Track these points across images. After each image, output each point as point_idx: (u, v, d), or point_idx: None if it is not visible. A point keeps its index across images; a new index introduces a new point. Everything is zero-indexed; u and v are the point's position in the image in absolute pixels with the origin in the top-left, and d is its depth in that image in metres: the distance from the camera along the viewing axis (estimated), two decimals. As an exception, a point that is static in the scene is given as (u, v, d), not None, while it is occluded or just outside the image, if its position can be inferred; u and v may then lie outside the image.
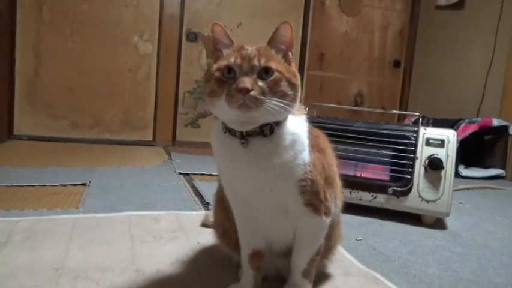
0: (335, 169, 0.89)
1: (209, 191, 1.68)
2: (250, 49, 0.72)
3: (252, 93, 0.66)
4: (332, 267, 1.01)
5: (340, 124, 1.67)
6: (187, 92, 3.31)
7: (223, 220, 0.92)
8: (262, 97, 0.67)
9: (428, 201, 1.50)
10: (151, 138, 3.26)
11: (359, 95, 3.87)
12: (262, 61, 0.69)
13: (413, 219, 1.55)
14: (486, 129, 2.86)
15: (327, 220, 0.81)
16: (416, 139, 1.55)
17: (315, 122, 1.64)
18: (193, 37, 3.25)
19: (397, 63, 3.95)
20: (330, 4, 3.69)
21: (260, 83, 0.68)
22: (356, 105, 3.83)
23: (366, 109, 3.80)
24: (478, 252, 1.27)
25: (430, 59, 3.77)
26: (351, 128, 1.66)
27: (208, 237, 1.10)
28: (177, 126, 3.33)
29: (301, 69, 3.64)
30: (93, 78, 3.08)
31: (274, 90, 0.68)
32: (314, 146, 0.79)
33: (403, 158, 1.56)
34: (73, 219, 1.24)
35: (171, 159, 2.55)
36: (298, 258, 0.83)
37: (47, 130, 2.99)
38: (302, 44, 3.62)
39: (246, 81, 0.67)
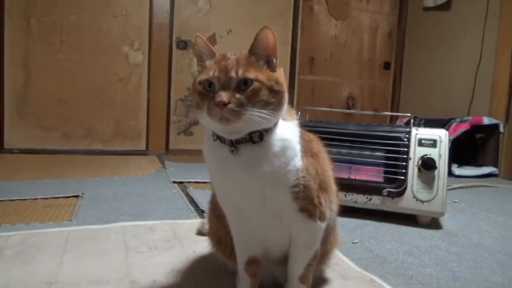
0: (330, 174, 0.89)
1: (204, 198, 1.67)
2: (230, 60, 0.71)
3: (229, 106, 0.66)
4: (329, 272, 1.01)
5: (332, 127, 1.68)
6: (179, 100, 3.31)
7: (218, 228, 0.91)
8: (240, 109, 0.67)
9: (422, 202, 1.50)
10: (144, 148, 3.24)
11: (350, 97, 3.90)
12: (240, 72, 0.69)
13: (409, 220, 1.55)
14: (477, 128, 2.89)
15: (322, 225, 0.81)
16: (409, 140, 1.56)
17: (307, 126, 1.65)
18: (183, 45, 3.25)
19: (387, 65, 3.98)
20: (318, 8, 3.72)
21: (238, 95, 0.68)
22: (348, 108, 3.85)
23: (358, 111, 3.82)
24: (474, 251, 1.27)
25: (419, 59, 3.81)
26: (343, 130, 1.66)
27: (204, 246, 1.09)
28: (170, 134, 3.32)
29: (292, 74, 3.66)
30: (84, 89, 3.06)
31: (253, 101, 0.68)
32: (307, 151, 0.79)
33: (396, 159, 1.56)
34: (66, 231, 1.23)
35: (164, 167, 2.53)
36: (294, 264, 0.83)
37: (38, 142, 2.97)
38: (292, 48, 3.64)
39: (223, 95, 0.67)
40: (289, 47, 3.63)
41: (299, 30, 3.65)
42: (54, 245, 1.12)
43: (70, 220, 1.38)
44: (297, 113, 1.79)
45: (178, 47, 3.26)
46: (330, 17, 3.76)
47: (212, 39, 3.29)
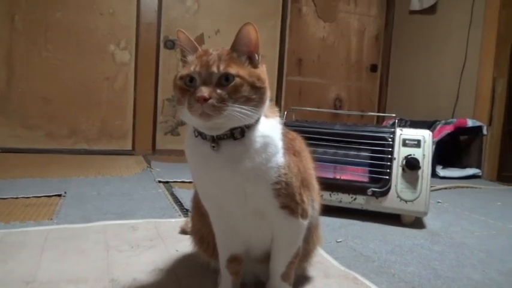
0: (312, 172, 0.89)
1: (189, 198, 1.63)
2: (212, 55, 0.71)
3: (210, 101, 0.65)
4: (312, 270, 1.01)
5: (318, 127, 1.68)
6: (166, 99, 3.28)
7: (200, 226, 0.90)
8: (221, 104, 0.66)
9: (406, 201, 1.51)
10: (130, 148, 3.21)
11: (338, 99, 3.92)
12: (222, 67, 0.68)
13: (393, 219, 1.56)
14: (461, 130, 2.93)
15: (305, 222, 0.81)
16: (393, 140, 1.57)
17: (293, 126, 1.65)
18: (171, 44, 3.23)
19: (374, 68, 4.02)
20: (307, 10, 3.74)
21: (219, 90, 0.67)
22: (335, 109, 3.87)
23: (344, 111, 3.85)
24: (456, 250, 1.28)
25: (405, 62, 3.85)
26: (329, 130, 1.67)
27: (186, 244, 1.08)
28: (156, 134, 3.29)
29: (280, 75, 3.67)
30: (69, 88, 3.01)
31: (235, 96, 0.68)
32: (289, 149, 0.78)
33: (381, 159, 1.57)
34: (46, 230, 1.20)
35: (150, 167, 2.51)
36: (276, 262, 0.82)
37: (22, 141, 2.91)
38: (280, 50, 3.65)
39: (204, 90, 0.66)
40: (278, 48, 3.64)
41: (287, 31, 3.66)
42: (33, 244, 1.09)
43: (51, 219, 1.36)
44: (284, 112, 1.80)
45: (166, 46, 3.24)
46: (318, 19, 3.79)
47: (200, 39, 3.28)
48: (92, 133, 3.10)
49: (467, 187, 2.52)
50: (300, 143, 0.87)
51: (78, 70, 3.02)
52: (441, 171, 2.81)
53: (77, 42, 3.00)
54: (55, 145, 2.99)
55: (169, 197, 1.76)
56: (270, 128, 0.75)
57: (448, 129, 2.87)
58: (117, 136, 3.18)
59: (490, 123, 2.93)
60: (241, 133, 0.71)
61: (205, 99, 0.65)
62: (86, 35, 3.03)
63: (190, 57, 0.73)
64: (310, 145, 0.93)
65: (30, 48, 2.90)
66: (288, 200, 0.76)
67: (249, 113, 0.68)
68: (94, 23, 3.04)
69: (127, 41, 3.14)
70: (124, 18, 3.12)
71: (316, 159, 0.95)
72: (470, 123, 2.89)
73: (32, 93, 2.92)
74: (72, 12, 2.97)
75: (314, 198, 0.87)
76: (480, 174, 2.94)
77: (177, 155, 3.10)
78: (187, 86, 0.70)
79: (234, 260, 0.82)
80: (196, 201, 0.89)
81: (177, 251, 1.11)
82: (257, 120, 0.73)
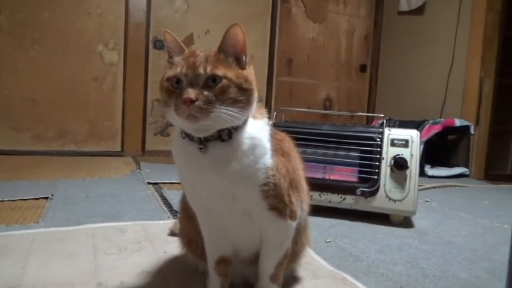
0: (300, 173, 0.89)
1: (178, 199, 1.63)
2: (198, 56, 0.70)
3: (196, 103, 0.65)
4: (301, 270, 1.01)
5: (307, 127, 1.69)
6: (155, 100, 3.26)
7: (188, 228, 0.90)
8: (208, 106, 0.66)
9: (395, 201, 1.52)
10: (119, 149, 3.18)
11: (328, 99, 3.94)
12: (208, 69, 0.68)
13: (382, 219, 1.57)
14: (449, 130, 2.96)
15: (293, 224, 0.81)
16: (382, 140, 1.58)
17: (282, 126, 1.65)
18: (160, 45, 3.21)
19: (363, 68, 4.04)
20: (296, 11, 3.75)
21: (206, 92, 0.67)
22: (325, 110, 3.89)
23: (333, 112, 3.86)
24: (443, 249, 1.30)
25: (394, 62, 3.89)
26: (318, 131, 1.67)
27: (175, 246, 1.07)
28: (146, 135, 3.27)
29: (270, 75, 3.67)
30: (57, 88, 2.97)
31: (222, 98, 0.67)
32: (278, 150, 0.78)
33: (369, 159, 1.58)
34: (32, 234, 1.18)
35: (139, 169, 2.49)
36: (265, 263, 0.82)
37: (8, 143, 2.86)
38: (270, 50, 3.65)
39: (190, 92, 0.66)
40: (268, 48, 3.64)
41: (277, 31, 3.66)
42: (18, 248, 1.08)
43: (37, 222, 1.34)
44: (273, 113, 1.80)
45: (155, 46, 3.22)
46: (308, 19, 3.80)
47: (190, 39, 3.27)
48: (80, 134, 3.07)
49: (455, 186, 2.54)
50: (288, 143, 0.87)
51: (66, 71, 2.98)
52: (429, 171, 2.84)
53: (65, 42, 2.97)
54: (43, 147, 2.95)
55: (159, 199, 1.75)
56: (257, 129, 0.75)
57: (436, 128, 2.90)
58: (106, 137, 3.15)
59: (477, 123, 2.97)
60: (228, 135, 0.71)
61: (192, 101, 0.65)
62: (74, 35, 2.99)
63: (177, 59, 0.72)
64: (299, 145, 0.93)
65: (17, 48, 2.85)
66: (277, 201, 0.76)
67: (237, 114, 0.68)
68: (82, 23, 3.01)
69: (115, 41, 3.12)
70: (112, 18, 3.09)
71: (306, 160, 0.95)
72: (458, 122, 2.93)
73: (18, 94, 2.88)
74: (60, 12, 2.93)
75: (303, 199, 0.87)
76: (468, 173, 2.97)
77: (167, 156, 3.08)
78: (173, 87, 0.69)
79: (222, 261, 0.82)
80: (184, 203, 0.89)
81: (165, 253, 1.10)
82: (245, 122, 0.73)
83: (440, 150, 3.10)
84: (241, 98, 0.69)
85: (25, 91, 2.89)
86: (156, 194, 1.83)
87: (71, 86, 3.01)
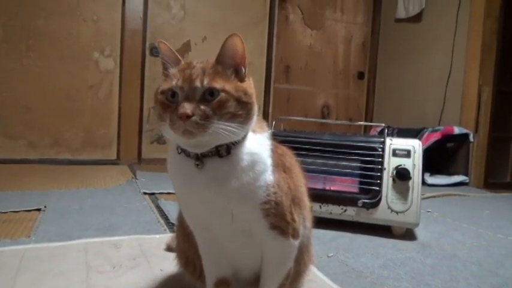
0: (303, 189, 0.85)
1: (175, 211, 1.59)
2: (195, 68, 0.66)
3: (193, 118, 0.61)
4: (303, 289, 0.97)
5: (307, 137, 1.65)
6: (152, 107, 3.22)
7: (186, 248, 0.86)
8: (205, 121, 0.62)
9: (397, 213, 1.49)
10: (115, 157, 3.13)
11: (326, 106, 3.91)
12: (206, 82, 0.64)
13: (384, 231, 1.53)
14: (448, 137, 2.94)
15: (296, 242, 0.77)
16: (383, 150, 1.55)
17: (281, 136, 1.62)
18: (156, 52, 3.18)
19: (361, 75, 4.03)
20: (294, 18, 3.73)
21: (203, 107, 0.63)
22: (323, 117, 3.87)
23: (332, 121, 3.84)
24: (448, 263, 1.26)
25: (392, 70, 3.87)
26: (318, 140, 1.63)
27: (172, 263, 1.02)
28: (142, 143, 3.22)
29: (267, 83, 3.64)
30: (52, 96, 2.93)
31: (220, 113, 0.63)
32: (279, 165, 0.75)
33: (371, 169, 1.55)
34: (22, 250, 1.14)
35: (135, 178, 2.44)
36: (266, 284, 0.78)
37: (2, 151, 2.81)
38: (268, 57, 3.63)
39: (186, 107, 0.62)
40: (265, 55, 3.62)
41: (274, 38, 3.65)
42: (7, 265, 1.03)
43: (29, 236, 1.29)
44: (272, 122, 1.76)
45: (151, 53, 3.18)
46: (305, 26, 3.78)
47: (187, 47, 3.24)
48: (75, 142, 3.02)
49: (455, 195, 2.51)
50: (290, 158, 0.84)
51: (61, 78, 2.95)
52: (429, 179, 2.81)
53: (60, 49, 2.93)
54: (37, 155, 2.90)
55: (155, 210, 1.71)
56: (258, 144, 0.71)
57: (436, 136, 2.88)
58: (101, 145, 3.10)
59: (476, 131, 2.95)
60: (227, 150, 0.67)
61: (188, 116, 0.61)
62: (69, 42, 2.95)
63: (172, 70, 0.68)
64: (299, 155, 0.90)
65: (11, 55, 2.81)
66: (278, 219, 0.72)
67: (236, 130, 0.64)
68: (77, 30, 2.97)
69: (111, 48, 3.08)
70: (108, 25, 3.06)
71: (306, 170, 0.91)
72: (457, 130, 2.91)
73: (13, 101, 2.83)
74: (55, 19, 2.90)
75: (305, 217, 0.83)
76: (467, 181, 2.95)
77: (163, 164, 3.01)
78: (168, 101, 0.65)
79: (221, 283, 0.78)
80: (181, 220, 0.85)
81: (161, 270, 1.05)
82: (244, 137, 0.69)
83: (439, 158, 3.07)
84: (241, 112, 0.66)
85: (19, 98, 2.85)
86: (152, 205, 1.79)
87: (66, 93, 2.97)
